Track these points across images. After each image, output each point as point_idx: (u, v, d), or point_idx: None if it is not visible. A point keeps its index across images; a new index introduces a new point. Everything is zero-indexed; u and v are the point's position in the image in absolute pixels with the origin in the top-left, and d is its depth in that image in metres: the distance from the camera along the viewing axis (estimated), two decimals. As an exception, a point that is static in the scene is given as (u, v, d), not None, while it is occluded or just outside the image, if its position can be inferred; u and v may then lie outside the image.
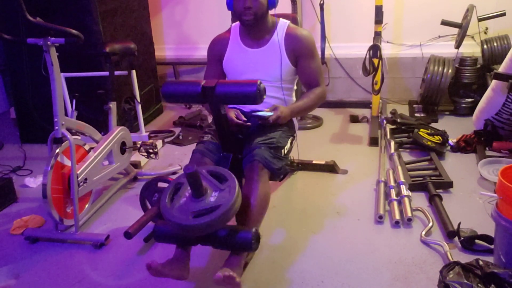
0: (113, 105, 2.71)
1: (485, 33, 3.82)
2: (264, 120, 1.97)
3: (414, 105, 3.91)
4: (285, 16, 2.33)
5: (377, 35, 3.48)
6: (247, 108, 2.18)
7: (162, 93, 1.81)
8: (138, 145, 2.84)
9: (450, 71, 3.58)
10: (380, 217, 2.27)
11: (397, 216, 2.23)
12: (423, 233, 2.11)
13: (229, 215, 1.60)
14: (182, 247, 1.78)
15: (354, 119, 3.76)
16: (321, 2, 3.65)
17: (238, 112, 2.09)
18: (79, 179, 2.26)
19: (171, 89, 1.81)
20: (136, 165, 2.97)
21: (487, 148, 2.97)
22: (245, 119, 2.06)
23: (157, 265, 1.64)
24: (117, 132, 2.64)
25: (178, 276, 1.69)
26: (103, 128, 2.72)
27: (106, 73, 2.73)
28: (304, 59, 2.14)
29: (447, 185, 2.53)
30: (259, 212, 1.86)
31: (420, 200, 2.43)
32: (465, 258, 1.88)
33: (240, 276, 1.65)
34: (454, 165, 2.84)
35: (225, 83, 1.75)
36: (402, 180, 2.49)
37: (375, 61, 3.34)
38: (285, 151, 2.08)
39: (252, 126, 2.07)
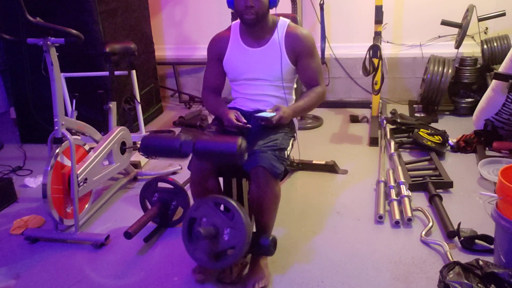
0: (113, 105, 2.71)
1: (485, 33, 3.82)
2: (266, 121, 1.96)
3: (414, 105, 3.91)
4: (285, 16, 2.32)
5: (377, 35, 3.48)
6: (248, 108, 2.18)
7: (140, 148, 1.80)
8: (138, 145, 2.84)
9: (450, 71, 3.58)
10: (380, 217, 2.27)
11: (397, 216, 2.23)
12: (423, 233, 2.11)
13: (244, 253, 1.75)
14: None
15: (354, 119, 3.76)
16: (321, 2, 3.65)
17: (238, 113, 2.08)
18: (79, 179, 2.26)
19: (150, 143, 1.80)
20: (136, 165, 2.97)
21: (487, 148, 2.97)
22: (245, 121, 2.05)
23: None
24: (117, 132, 2.64)
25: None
26: (103, 128, 2.72)
27: (106, 73, 2.73)
28: (304, 58, 2.14)
29: (447, 185, 2.53)
30: (272, 216, 1.93)
31: (420, 200, 2.43)
32: (465, 258, 1.88)
33: (267, 277, 1.88)
34: (454, 165, 2.84)
35: (205, 141, 1.74)
36: (402, 180, 2.49)
37: (375, 61, 3.34)
38: (288, 153, 2.08)
39: (252, 126, 2.07)
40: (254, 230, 1.92)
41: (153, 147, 1.78)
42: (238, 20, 2.16)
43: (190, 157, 2.06)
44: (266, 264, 1.94)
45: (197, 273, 1.91)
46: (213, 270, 1.92)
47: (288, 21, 2.18)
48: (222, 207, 1.77)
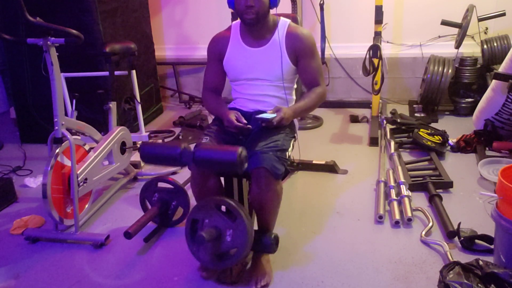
0: (113, 105, 2.71)
1: (485, 33, 3.82)
2: (267, 123, 1.96)
3: (414, 105, 3.90)
4: (285, 16, 2.32)
5: (377, 35, 3.48)
6: (248, 109, 2.18)
7: (140, 155, 1.81)
8: (138, 145, 2.84)
9: (450, 71, 3.58)
10: (380, 217, 2.27)
11: (397, 216, 2.23)
12: (423, 233, 2.11)
13: (246, 254, 1.79)
14: None
15: (354, 119, 3.76)
16: (321, 2, 3.65)
17: (238, 114, 2.07)
18: (79, 179, 2.26)
19: (150, 151, 1.80)
20: (136, 165, 2.97)
21: (487, 148, 2.97)
22: (245, 121, 2.05)
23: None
24: (117, 132, 2.64)
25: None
26: (103, 128, 2.72)
27: (106, 73, 2.73)
28: (304, 58, 2.14)
29: (447, 185, 2.53)
30: (273, 216, 1.95)
31: (420, 200, 2.43)
32: (465, 258, 1.88)
33: (269, 274, 1.90)
34: (454, 165, 2.84)
35: (205, 149, 1.74)
36: (402, 180, 2.49)
37: (375, 61, 3.34)
38: (288, 153, 2.08)
39: (253, 127, 2.07)
40: (256, 228, 1.92)
41: (153, 156, 1.80)
42: (238, 20, 2.16)
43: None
44: (268, 260, 1.95)
45: (202, 271, 1.95)
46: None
47: (288, 21, 2.18)
48: (223, 208, 1.78)
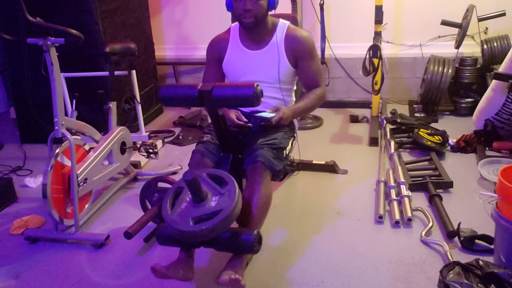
0: (113, 105, 2.71)
1: (485, 33, 3.82)
2: (266, 122, 1.97)
3: (414, 105, 3.90)
4: (285, 16, 2.32)
5: (377, 35, 3.48)
6: (248, 109, 2.18)
7: (159, 97, 1.81)
8: (138, 145, 2.84)
9: (450, 71, 3.58)
10: (380, 217, 2.27)
11: (397, 216, 2.23)
12: (423, 233, 2.11)
13: (230, 220, 1.60)
14: (185, 249, 1.79)
15: (354, 119, 3.76)
16: (321, 2, 3.65)
17: (239, 113, 2.08)
18: (79, 179, 2.26)
19: (168, 93, 1.81)
20: (136, 165, 2.97)
21: (487, 148, 2.97)
22: (246, 120, 2.06)
23: (162, 268, 1.65)
24: (117, 132, 2.64)
25: (183, 277, 1.70)
26: (103, 128, 2.72)
27: (106, 73, 2.73)
28: (303, 60, 2.14)
29: (447, 185, 2.53)
30: (261, 213, 1.86)
31: (420, 200, 2.43)
32: (465, 258, 1.88)
33: (242, 277, 1.66)
34: (454, 165, 2.84)
35: (222, 86, 1.74)
36: (402, 180, 2.49)
37: (375, 61, 3.34)
38: (287, 152, 2.08)
39: (253, 127, 2.07)
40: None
41: (171, 97, 1.80)
42: (237, 22, 2.16)
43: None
44: (246, 263, 1.78)
45: (157, 269, 1.67)
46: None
47: (287, 23, 2.18)
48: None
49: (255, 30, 2.09)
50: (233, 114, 2.04)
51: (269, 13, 2.12)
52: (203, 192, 1.64)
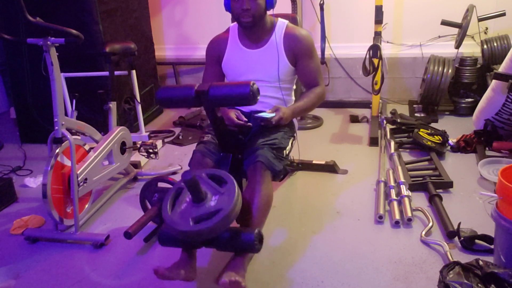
0: (113, 105, 2.71)
1: (485, 33, 3.82)
2: (266, 122, 1.97)
3: (414, 105, 3.91)
4: (285, 16, 2.32)
5: (377, 35, 3.48)
6: (247, 108, 2.18)
7: (157, 99, 1.81)
8: (138, 145, 2.84)
9: (450, 71, 3.58)
10: (380, 217, 2.27)
11: (397, 216, 2.23)
12: (423, 233, 2.11)
13: (230, 219, 1.59)
14: (187, 250, 1.78)
15: (354, 119, 3.76)
16: (321, 2, 3.65)
17: (238, 112, 2.09)
18: (79, 179, 2.26)
19: (166, 95, 1.81)
20: (136, 165, 2.97)
21: (487, 148, 2.97)
22: (245, 119, 2.06)
23: (164, 270, 1.65)
24: (117, 132, 2.64)
25: (186, 278, 1.70)
26: (103, 128, 2.72)
27: (106, 73, 2.73)
28: (303, 59, 2.14)
29: (447, 185, 2.52)
30: (262, 213, 1.85)
31: (420, 200, 2.43)
32: (465, 258, 1.88)
33: (244, 278, 1.64)
34: (454, 165, 2.84)
35: (218, 86, 1.74)
36: (402, 180, 2.49)
37: (375, 61, 3.34)
38: (287, 152, 2.08)
39: (253, 126, 2.07)
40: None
41: (168, 99, 1.81)
42: (236, 22, 2.16)
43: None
44: (247, 263, 1.75)
45: (159, 271, 1.67)
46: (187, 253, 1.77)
47: (286, 22, 2.18)
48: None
49: (253, 29, 2.09)
50: (233, 114, 2.04)
51: (269, 13, 2.12)
52: (203, 192, 1.64)
